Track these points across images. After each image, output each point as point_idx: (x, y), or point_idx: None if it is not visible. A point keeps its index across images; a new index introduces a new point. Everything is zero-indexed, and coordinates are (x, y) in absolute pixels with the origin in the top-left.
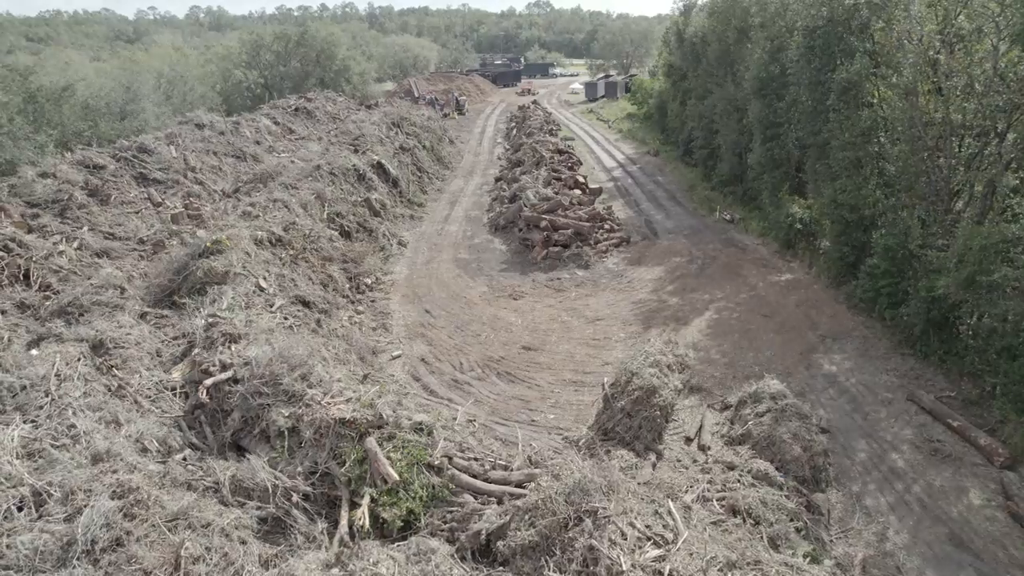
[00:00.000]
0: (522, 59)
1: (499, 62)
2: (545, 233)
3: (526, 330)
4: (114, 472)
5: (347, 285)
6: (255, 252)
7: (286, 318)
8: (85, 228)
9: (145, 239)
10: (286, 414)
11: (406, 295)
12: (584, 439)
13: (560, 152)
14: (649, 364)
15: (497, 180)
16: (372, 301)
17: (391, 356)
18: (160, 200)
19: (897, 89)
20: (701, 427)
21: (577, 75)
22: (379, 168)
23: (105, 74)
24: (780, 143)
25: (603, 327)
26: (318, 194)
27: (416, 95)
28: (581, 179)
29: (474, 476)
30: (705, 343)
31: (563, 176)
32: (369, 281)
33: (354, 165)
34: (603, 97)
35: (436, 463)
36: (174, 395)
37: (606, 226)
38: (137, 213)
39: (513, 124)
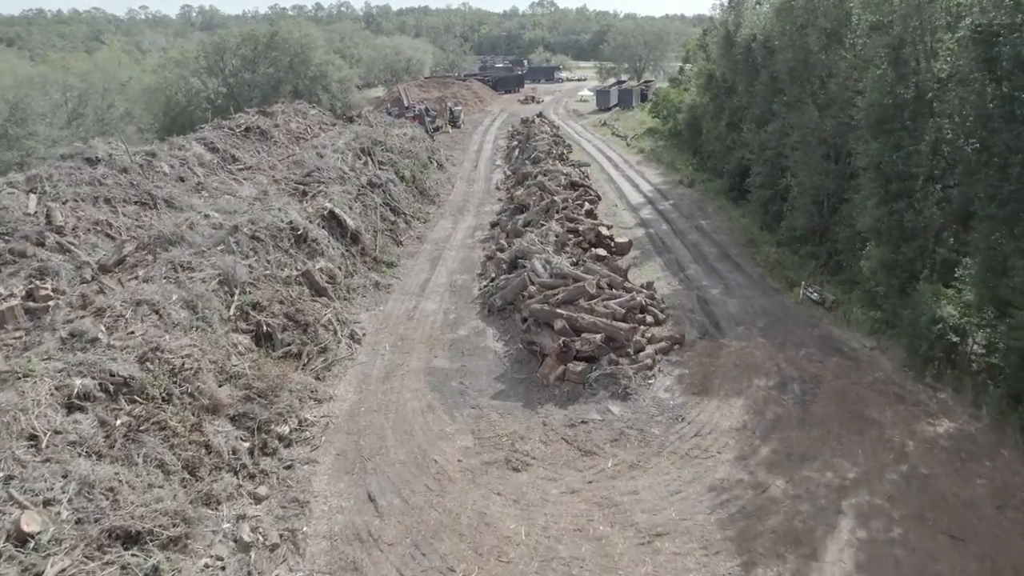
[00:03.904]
0: (525, 62)
1: (500, 65)
2: (562, 340)
3: (533, 558)
4: None
5: (244, 446)
6: (55, 426)
7: None
8: None
9: None
10: None
11: (343, 453)
12: None
13: (574, 186)
14: None
15: (493, 226)
16: (287, 468)
17: None
18: None
19: None
20: None
21: (584, 79)
22: (332, 219)
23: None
24: (915, 204)
25: (668, 556)
26: (225, 276)
27: (406, 103)
28: (605, 231)
29: None
30: None
31: (581, 229)
32: (286, 430)
33: (290, 222)
34: (616, 106)
35: None
36: None
37: (647, 318)
38: None
39: (515, 142)
